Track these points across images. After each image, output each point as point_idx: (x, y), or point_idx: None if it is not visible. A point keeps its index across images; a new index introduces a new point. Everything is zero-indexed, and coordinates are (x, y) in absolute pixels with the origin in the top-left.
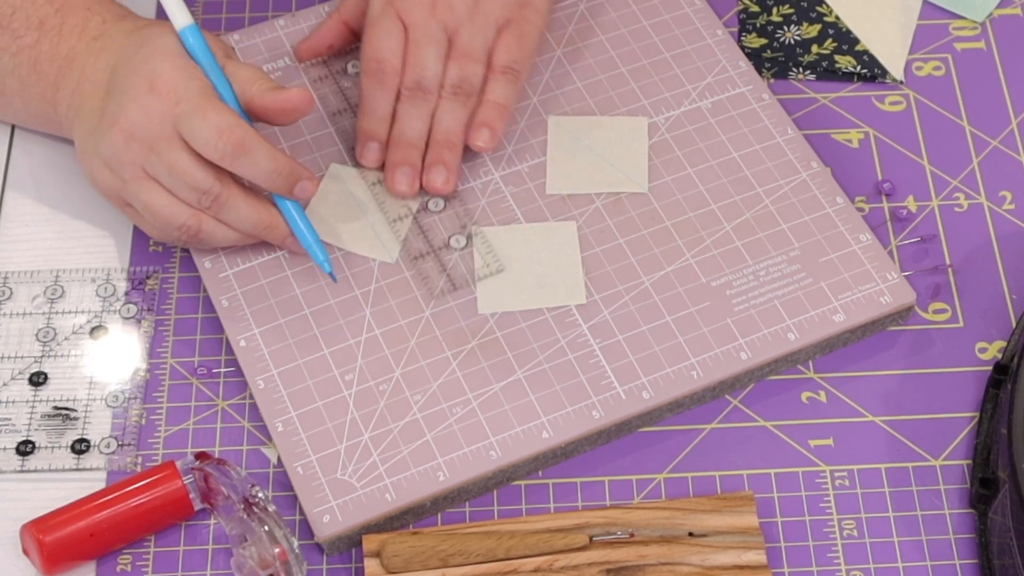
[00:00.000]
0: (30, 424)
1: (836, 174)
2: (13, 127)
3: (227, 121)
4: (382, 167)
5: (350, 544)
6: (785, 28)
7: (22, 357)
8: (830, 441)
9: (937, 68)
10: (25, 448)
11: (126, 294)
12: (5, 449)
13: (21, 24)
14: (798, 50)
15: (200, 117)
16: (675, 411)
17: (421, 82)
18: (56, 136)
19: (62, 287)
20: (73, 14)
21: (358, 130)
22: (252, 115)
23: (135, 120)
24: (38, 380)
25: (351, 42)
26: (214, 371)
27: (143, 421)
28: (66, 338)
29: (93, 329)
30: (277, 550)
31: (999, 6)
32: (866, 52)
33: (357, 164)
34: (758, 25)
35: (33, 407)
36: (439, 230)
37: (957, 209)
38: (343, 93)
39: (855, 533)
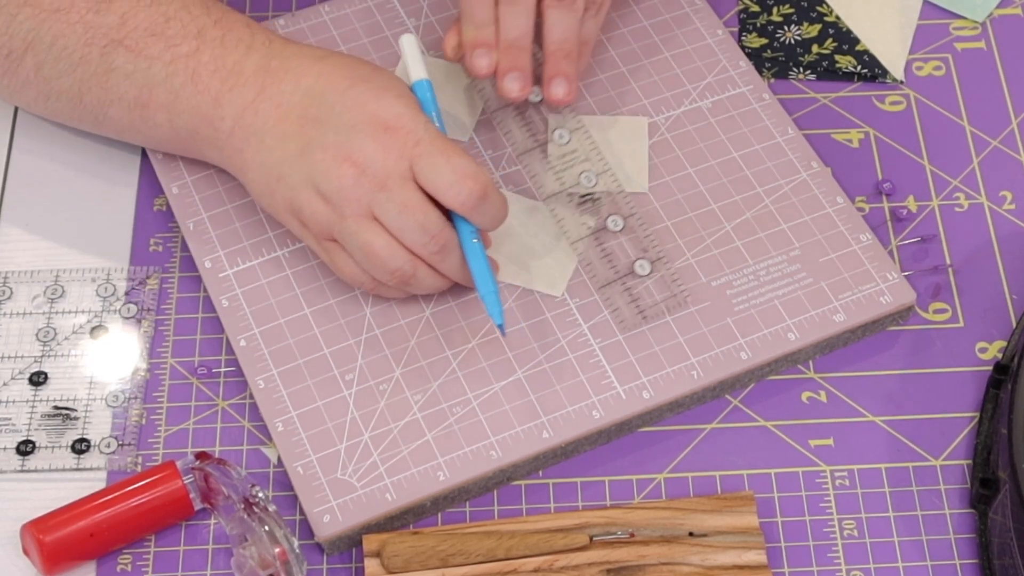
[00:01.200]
0: (30, 424)
1: (836, 174)
2: (13, 126)
3: (471, 167)
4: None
5: (350, 544)
6: (785, 28)
7: (22, 357)
8: (830, 441)
9: (937, 68)
10: (25, 448)
11: (126, 294)
12: (5, 449)
13: (177, 32)
14: (798, 50)
15: (445, 160)
16: (675, 411)
17: None
18: (57, 136)
19: (62, 287)
20: (234, 28)
21: (463, 42)
22: None
23: (370, 156)
24: (38, 380)
25: None
26: (214, 371)
27: (143, 421)
28: (66, 338)
29: (93, 329)
30: (277, 550)
31: (999, 6)
32: (866, 52)
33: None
34: (758, 25)
35: (33, 407)
36: (623, 253)
37: (957, 209)
38: (530, 129)
39: (855, 533)
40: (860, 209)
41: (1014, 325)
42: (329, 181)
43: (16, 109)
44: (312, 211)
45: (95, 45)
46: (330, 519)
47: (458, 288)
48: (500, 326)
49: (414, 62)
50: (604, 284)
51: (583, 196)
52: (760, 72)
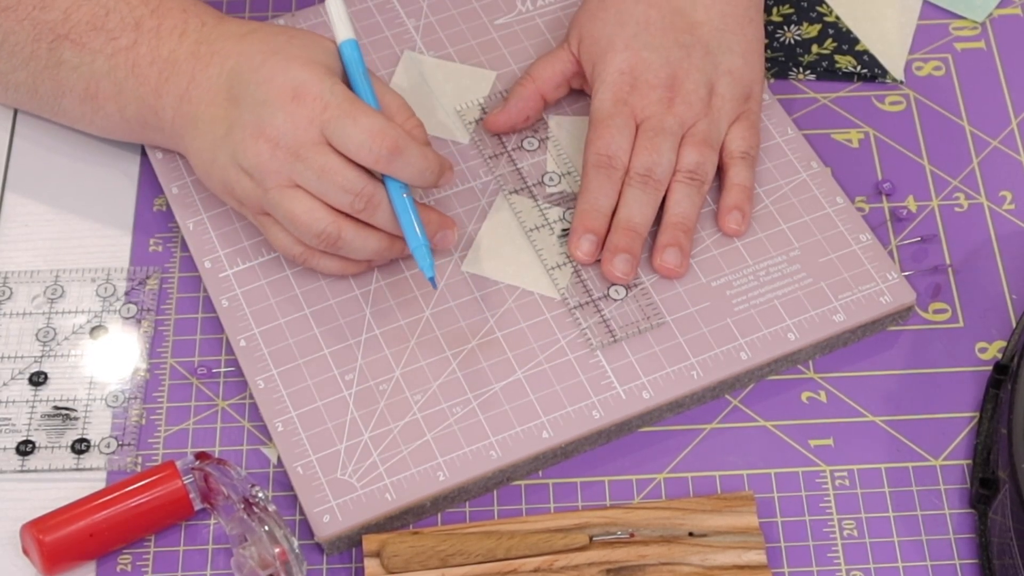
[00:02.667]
0: (30, 424)
1: (836, 174)
2: (13, 126)
3: (378, 124)
4: (595, 262)
5: (350, 544)
6: (785, 28)
7: (22, 357)
8: (830, 441)
9: (937, 68)
10: (25, 448)
11: (126, 294)
12: (5, 449)
13: (116, 25)
14: (798, 50)
15: (352, 121)
16: (675, 411)
17: (654, 171)
18: (56, 136)
19: (62, 287)
20: (170, 16)
21: (577, 221)
22: None
23: (281, 128)
24: (38, 380)
25: (543, 111)
26: (214, 371)
27: (143, 421)
28: (66, 338)
29: (93, 329)
30: (277, 550)
31: (999, 6)
32: (866, 52)
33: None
34: None
35: (33, 407)
36: (599, 279)
37: (957, 209)
38: (520, 172)
39: (855, 533)
40: (860, 209)
41: (1014, 325)
42: (248, 158)
43: (16, 109)
44: (242, 189)
45: (43, 40)
46: (330, 519)
47: (458, 290)
48: (431, 279)
49: (339, 23)
50: (575, 306)
51: (564, 230)
52: None
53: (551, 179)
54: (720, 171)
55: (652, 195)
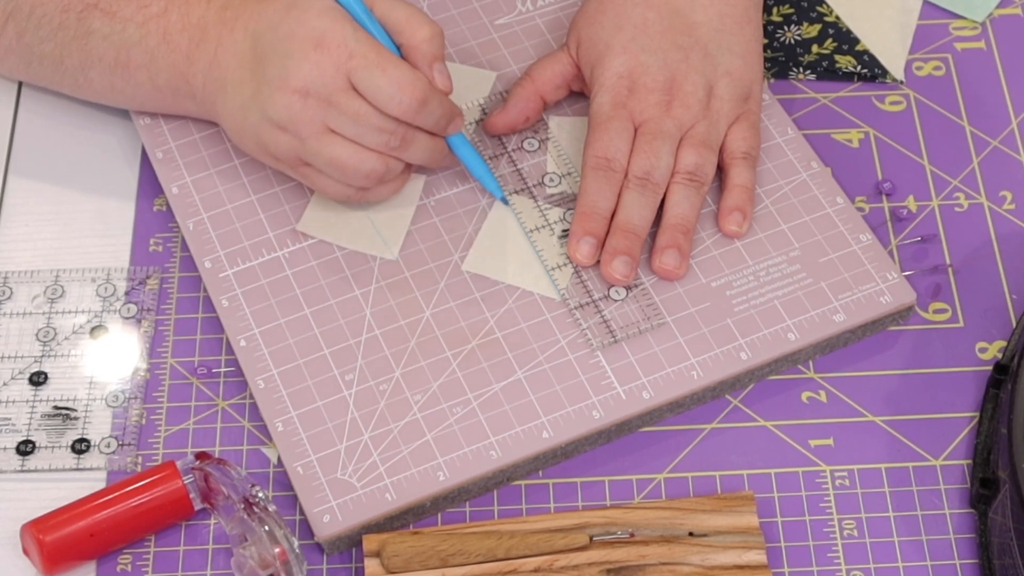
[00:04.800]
0: (30, 424)
1: (836, 174)
2: (13, 126)
3: (406, 76)
4: (595, 264)
5: (350, 544)
6: (785, 28)
7: (22, 357)
8: (830, 441)
9: (937, 68)
10: (25, 448)
11: (126, 294)
12: (5, 449)
13: None
14: (798, 50)
15: (380, 73)
16: (675, 411)
17: (652, 173)
18: (57, 135)
19: (62, 287)
20: None
21: (575, 224)
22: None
23: (309, 78)
24: (38, 380)
25: (542, 112)
26: (214, 371)
27: (143, 421)
28: (66, 338)
29: (93, 329)
30: (277, 550)
31: (999, 6)
32: (866, 52)
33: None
34: None
35: (33, 407)
36: (599, 280)
37: (957, 209)
38: (520, 173)
39: (855, 533)
40: (860, 209)
41: (1014, 325)
42: (279, 112)
43: (16, 109)
44: (276, 143)
45: (72, 11)
46: (330, 519)
47: (458, 290)
48: (503, 199)
49: None
50: (575, 307)
51: (564, 231)
52: None
53: (551, 180)
54: (721, 172)
55: (650, 197)
